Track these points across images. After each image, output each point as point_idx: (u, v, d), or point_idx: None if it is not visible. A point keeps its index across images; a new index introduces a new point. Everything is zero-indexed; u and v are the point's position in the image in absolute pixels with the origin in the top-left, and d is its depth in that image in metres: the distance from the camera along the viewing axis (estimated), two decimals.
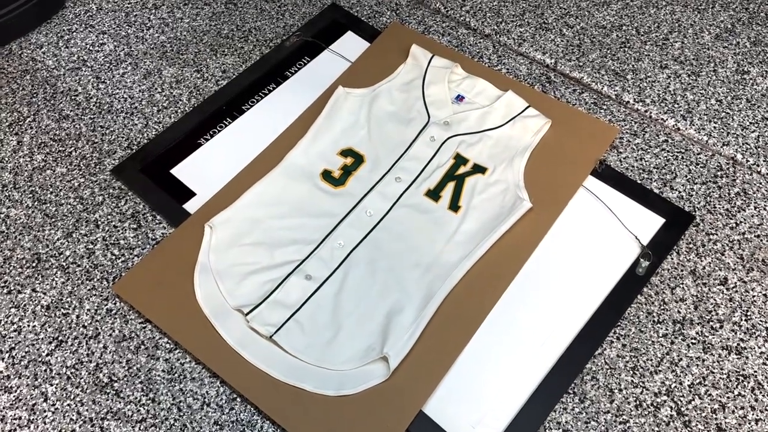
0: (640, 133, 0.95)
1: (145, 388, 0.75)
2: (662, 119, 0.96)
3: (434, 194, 0.86)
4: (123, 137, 0.96)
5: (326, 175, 0.88)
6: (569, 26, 1.08)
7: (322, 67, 1.04)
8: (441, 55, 0.99)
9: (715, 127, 0.95)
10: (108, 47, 1.07)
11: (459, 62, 0.98)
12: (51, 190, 0.91)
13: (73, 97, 1.01)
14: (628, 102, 0.98)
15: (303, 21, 1.10)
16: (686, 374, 0.75)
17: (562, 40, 1.06)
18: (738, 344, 0.77)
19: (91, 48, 1.07)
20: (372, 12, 1.11)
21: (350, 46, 1.06)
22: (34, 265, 0.84)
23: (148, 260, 0.83)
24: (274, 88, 1.01)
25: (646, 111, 0.97)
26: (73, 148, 0.95)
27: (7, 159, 0.94)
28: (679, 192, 0.89)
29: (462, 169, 0.88)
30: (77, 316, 0.80)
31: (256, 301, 0.77)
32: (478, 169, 0.88)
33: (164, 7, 1.12)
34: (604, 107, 0.98)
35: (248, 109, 0.99)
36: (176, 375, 0.75)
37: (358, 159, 0.90)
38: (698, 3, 1.11)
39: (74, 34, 1.08)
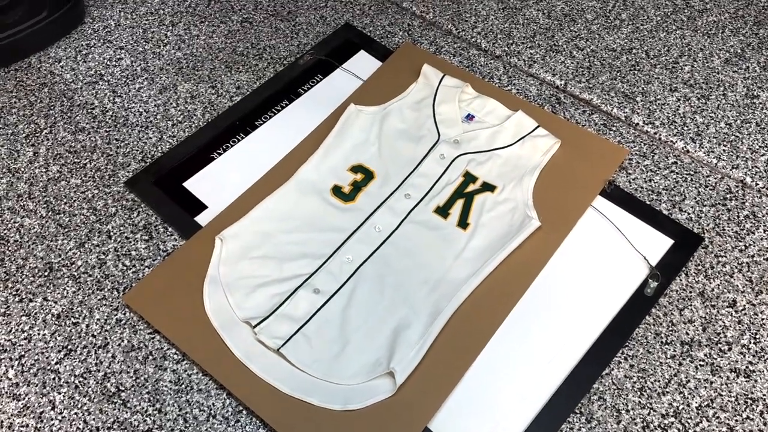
0: (650, 154, 0.95)
1: (152, 398, 0.75)
2: (671, 141, 0.97)
3: (443, 211, 0.87)
4: (137, 150, 0.98)
5: (336, 190, 0.89)
6: (579, 49, 1.09)
7: (334, 85, 1.05)
8: (452, 74, 1.01)
9: (724, 150, 0.95)
10: (125, 62, 1.09)
11: (470, 82, 1.00)
12: (65, 200, 0.92)
13: (89, 111, 1.02)
14: (638, 124, 0.99)
15: (317, 40, 1.12)
16: (694, 396, 0.74)
17: (572, 62, 1.07)
18: (746, 367, 0.76)
19: (108, 63, 1.09)
20: (385, 32, 1.13)
21: (363, 64, 1.08)
22: (46, 274, 0.85)
23: (158, 271, 0.84)
24: (286, 105, 1.03)
25: (655, 133, 0.98)
26: (88, 160, 0.96)
27: (23, 169, 0.96)
28: (688, 214, 0.89)
29: (471, 187, 0.89)
30: (87, 326, 0.81)
31: (264, 313, 0.78)
32: (488, 187, 0.89)
33: (181, 25, 1.14)
34: (614, 129, 0.99)
35: (261, 124, 1.01)
36: (183, 386, 0.76)
37: (369, 175, 0.91)
38: (708, 28, 1.12)
39: (92, 49, 1.11)
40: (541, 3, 1.16)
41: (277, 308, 0.78)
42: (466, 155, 0.92)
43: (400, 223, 0.86)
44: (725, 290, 0.82)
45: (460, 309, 0.79)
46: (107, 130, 1.00)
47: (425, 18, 1.15)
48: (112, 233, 0.89)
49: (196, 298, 0.80)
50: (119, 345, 0.79)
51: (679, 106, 1.01)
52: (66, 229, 0.89)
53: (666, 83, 1.04)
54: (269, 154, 0.95)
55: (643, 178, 0.93)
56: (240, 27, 1.14)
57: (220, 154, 0.97)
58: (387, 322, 0.77)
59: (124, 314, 0.81)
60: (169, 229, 0.89)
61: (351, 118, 0.97)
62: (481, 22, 1.13)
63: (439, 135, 0.94)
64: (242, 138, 0.99)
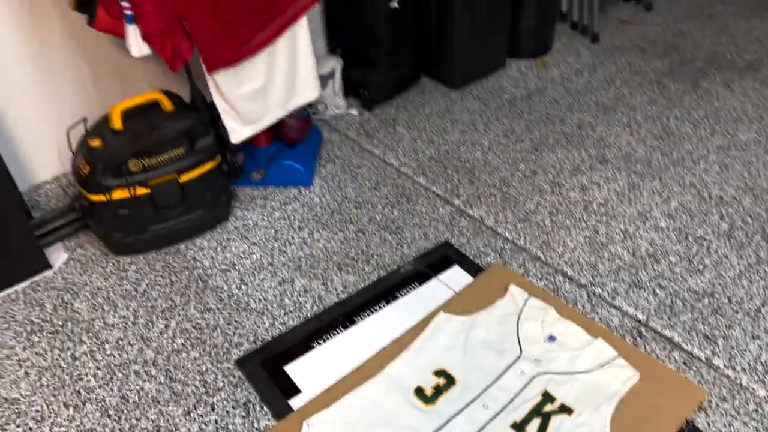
0: (729, 398, 0.96)
1: None
2: (753, 388, 0.98)
3: (520, 427, 0.90)
4: (251, 333, 1.11)
5: (419, 391, 0.96)
6: (662, 287, 1.16)
7: (428, 293, 1.17)
8: (537, 296, 1.10)
9: None
10: (255, 256, 1.28)
11: (554, 305, 1.08)
12: (182, 371, 1.05)
13: (218, 294, 1.20)
14: (718, 366, 1.01)
15: (418, 253, 1.27)
16: None
17: (654, 299, 1.13)
18: None
19: (242, 255, 1.28)
20: (479, 252, 1.26)
21: (456, 278, 1.20)
22: None
23: None
24: (384, 306, 1.15)
25: (735, 378, 0.99)
26: (208, 337, 1.11)
27: (153, 338, 1.11)
28: None
29: (549, 407, 0.93)
30: None
31: None
32: (565, 409, 0.93)
33: (306, 230, 1.34)
34: (694, 368, 1.01)
35: (360, 321, 1.12)
36: None
37: (450, 380, 0.98)
38: None
39: (231, 242, 1.32)
40: (626, 242, 1.26)
41: None
42: (546, 375, 0.97)
43: None
44: None
45: None
46: (230, 312, 1.16)
47: (516, 243, 1.28)
48: (215, 406, 0.99)
49: None
50: None
51: (761, 354, 1.02)
52: (178, 397, 1.01)
53: (748, 330, 1.07)
54: (363, 349, 1.05)
55: (722, 422, 0.93)
56: (354, 236, 1.32)
57: (320, 344, 1.08)
58: None
59: None
60: (265, 409, 0.98)
61: (440, 324, 1.07)
62: (569, 253, 1.24)
63: (521, 351, 1.01)
64: (341, 331, 1.11)
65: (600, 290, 1.16)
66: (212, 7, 1.11)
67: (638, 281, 1.17)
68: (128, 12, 1.03)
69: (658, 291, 1.15)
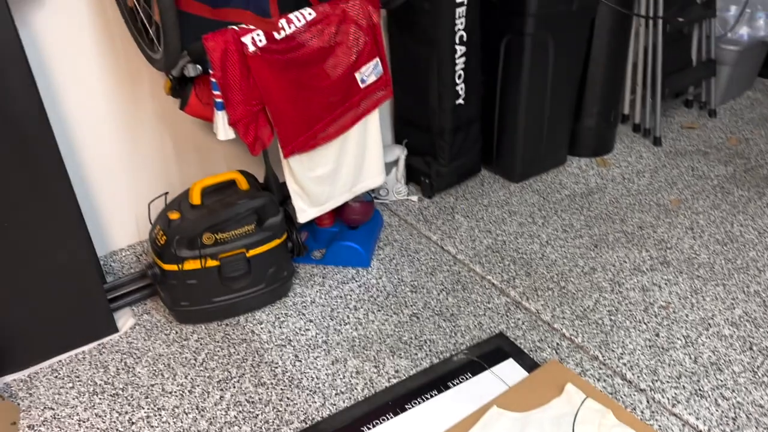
0: None
1: None
2: None
3: None
4: (302, 411, 1.12)
5: None
6: (725, 398, 1.11)
7: (481, 385, 1.16)
8: (594, 398, 1.07)
9: None
10: (311, 333, 1.30)
11: (612, 409, 1.05)
12: None
13: (273, 369, 1.22)
14: None
15: (472, 342, 1.26)
16: None
17: (717, 410, 1.09)
18: None
19: (298, 331, 1.31)
20: (534, 346, 1.25)
21: (510, 372, 1.18)
22: None
23: None
24: (435, 395, 1.14)
25: None
26: (260, 412, 1.12)
27: (207, 409, 1.13)
28: None
29: None
30: None
31: None
32: None
33: (362, 310, 1.37)
34: None
35: (410, 409, 1.12)
36: None
37: None
38: None
39: (288, 318, 1.35)
40: (688, 348, 1.23)
41: None
42: None
43: None
44: None
45: None
46: (282, 388, 1.17)
47: (573, 341, 1.26)
48: None
49: None
50: None
51: None
52: None
53: None
54: None
55: None
56: (408, 320, 1.33)
57: (369, 429, 1.08)
58: None
59: None
60: None
61: (492, 420, 1.05)
62: (628, 355, 1.22)
63: None
64: (391, 418, 1.10)
65: (660, 396, 1.12)
66: (294, 100, 1.20)
67: (700, 390, 1.13)
68: (218, 100, 1.13)
69: (720, 402, 1.11)
